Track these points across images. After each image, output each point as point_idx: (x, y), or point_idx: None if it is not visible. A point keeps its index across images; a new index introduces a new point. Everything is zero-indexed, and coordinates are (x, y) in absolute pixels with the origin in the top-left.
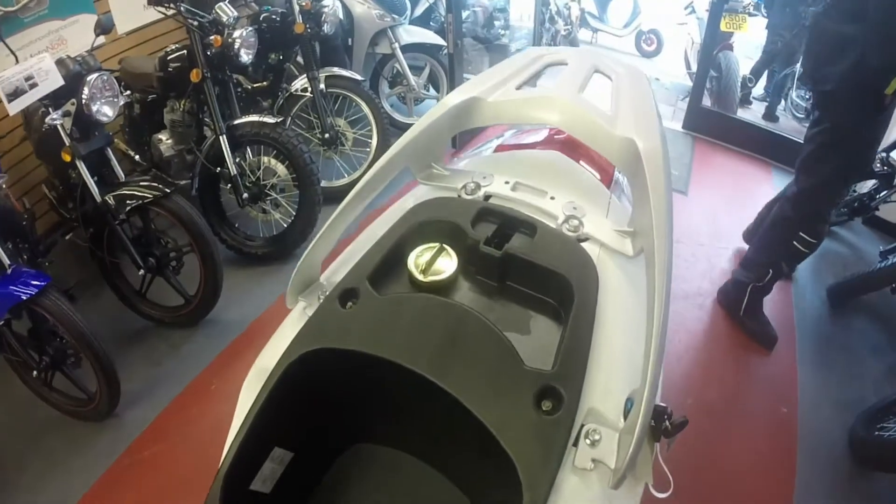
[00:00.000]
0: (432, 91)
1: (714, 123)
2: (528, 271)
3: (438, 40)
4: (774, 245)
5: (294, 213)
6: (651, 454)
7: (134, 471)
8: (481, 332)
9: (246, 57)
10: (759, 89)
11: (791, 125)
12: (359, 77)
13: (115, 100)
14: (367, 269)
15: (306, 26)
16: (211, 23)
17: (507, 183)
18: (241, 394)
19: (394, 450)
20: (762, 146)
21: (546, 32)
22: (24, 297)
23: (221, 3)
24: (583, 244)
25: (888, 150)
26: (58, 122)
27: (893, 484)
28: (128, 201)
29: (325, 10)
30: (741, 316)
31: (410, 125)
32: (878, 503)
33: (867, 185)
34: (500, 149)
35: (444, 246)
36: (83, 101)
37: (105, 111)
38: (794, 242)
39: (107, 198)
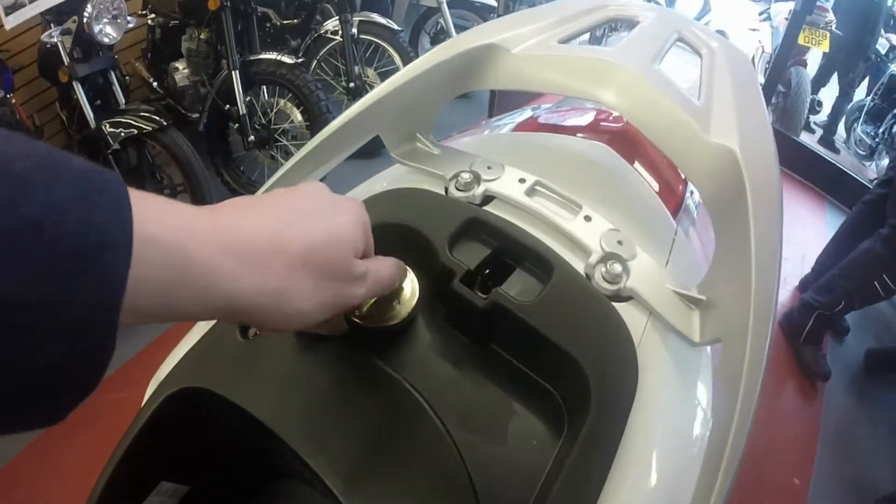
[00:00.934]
0: None
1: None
2: (524, 338)
3: None
4: (855, 277)
5: None
6: None
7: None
8: (425, 435)
9: None
10: (822, 115)
11: (850, 161)
12: (396, 27)
13: (121, 20)
14: None
15: None
16: None
17: (521, 181)
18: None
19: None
20: (820, 177)
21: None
22: None
23: None
24: (620, 306)
25: None
26: (56, 39)
27: None
28: (122, 130)
29: None
30: (801, 342)
31: None
32: None
33: None
34: (522, 127)
35: (403, 266)
36: (84, 19)
37: (108, 31)
38: (875, 282)
39: (102, 125)
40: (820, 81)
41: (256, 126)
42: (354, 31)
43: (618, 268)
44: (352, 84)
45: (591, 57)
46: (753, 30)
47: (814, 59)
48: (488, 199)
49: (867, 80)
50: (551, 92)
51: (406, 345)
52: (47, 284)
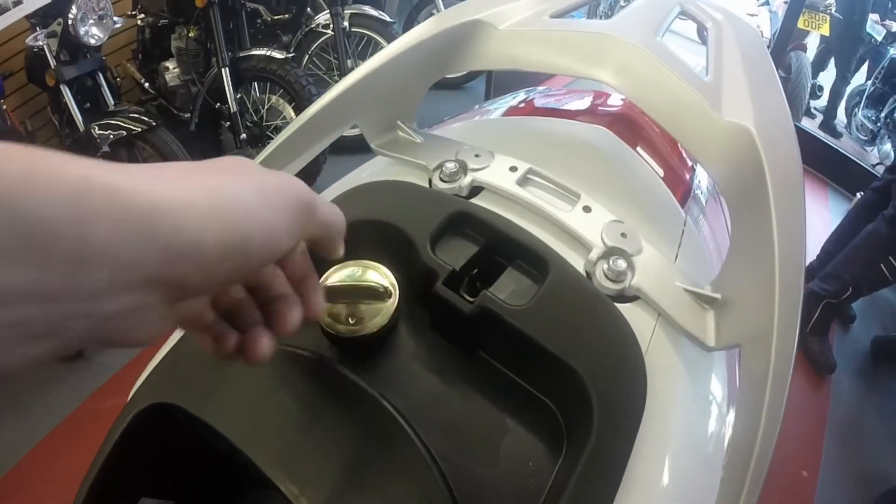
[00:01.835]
0: None
1: None
2: (516, 346)
3: None
4: (861, 261)
5: None
6: None
7: (94, 420)
8: (402, 457)
9: None
10: (822, 100)
11: (851, 146)
12: (388, 18)
13: (107, 21)
14: None
15: None
16: None
17: (513, 170)
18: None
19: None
20: (822, 163)
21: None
22: None
23: None
24: (625, 307)
25: None
26: (42, 43)
27: None
28: (111, 133)
29: None
30: (808, 332)
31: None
32: None
33: None
34: (513, 111)
35: (380, 268)
36: (69, 21)
37: (94, 32)
38: (882, 265)
39: (91, 127)
40: (819, 66)
41: (248, 123)
42: (346, 24)
43: (622, 264)
44: None
45: (587, 31)
46: (752, 15)
47: (812, 43)
48: (476, 190)
49: (867, 64)
50: (543, 71)
51: (386, 356)
52: None
